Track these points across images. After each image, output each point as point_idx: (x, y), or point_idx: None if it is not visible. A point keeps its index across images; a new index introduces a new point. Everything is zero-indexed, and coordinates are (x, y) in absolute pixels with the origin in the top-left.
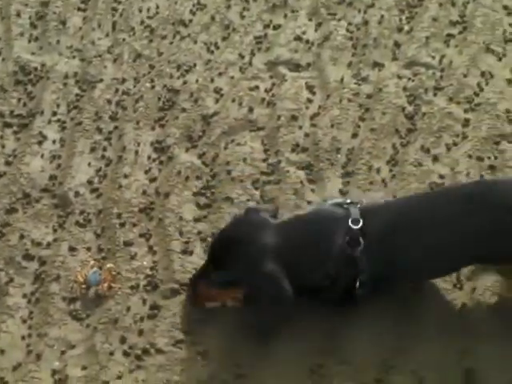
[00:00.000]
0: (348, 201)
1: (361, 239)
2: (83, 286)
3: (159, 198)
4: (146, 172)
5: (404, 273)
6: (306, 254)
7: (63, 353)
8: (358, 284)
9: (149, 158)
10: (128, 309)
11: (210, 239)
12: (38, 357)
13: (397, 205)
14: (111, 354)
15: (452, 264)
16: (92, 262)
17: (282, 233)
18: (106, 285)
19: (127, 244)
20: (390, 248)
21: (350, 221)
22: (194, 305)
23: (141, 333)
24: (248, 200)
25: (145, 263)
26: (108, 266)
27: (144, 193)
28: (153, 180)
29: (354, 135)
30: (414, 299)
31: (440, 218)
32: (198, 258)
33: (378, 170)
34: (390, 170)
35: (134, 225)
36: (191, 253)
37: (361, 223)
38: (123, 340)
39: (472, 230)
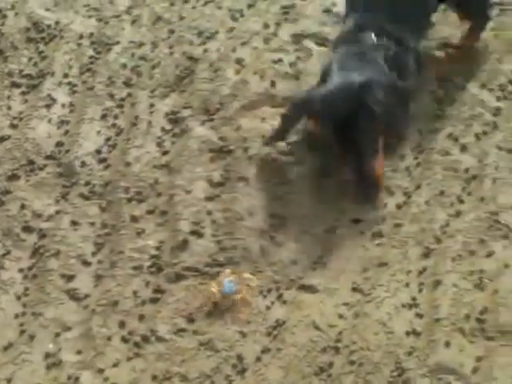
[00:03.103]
0: None
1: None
2: (217, 296)
3: (170, 173)
4: (158, 144)
5: None
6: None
7: (58, 335)
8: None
9: (162, 129)
10: (129, 291)
11: (222, 219)
12: (31, 338)
13: None
14: (108, 339)
15: None
16: (228, 271)
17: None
18: (239, 296)
19: (133, 220)
20: None
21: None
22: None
23: (141, 318)
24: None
25: (150, 243)
26: (245, 275)
27: (154, 166)
28: (165, 153)
29: None
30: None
31: None
32: (208, 241)
33: (402, 157)
34: (415, 158)
35: (142, 200)
36: (201, 235)
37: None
38: (122, 325)
39: None
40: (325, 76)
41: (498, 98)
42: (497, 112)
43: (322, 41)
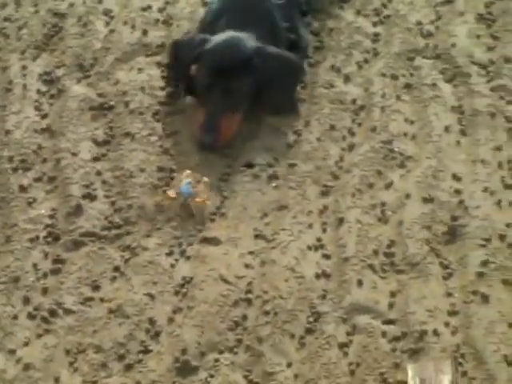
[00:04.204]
0: None
1: None
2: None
3: (53, 137)
4: (37, 108)
5: None
6: None
7: None
8: None
9: (38, 91)
10: (29, 264)
11: (112, 179)
12: None
13: None
14: (15, 317)
15: None
16: (186, 173)
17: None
18: (198, 199)
19: (22, 190)
20: None
21: None
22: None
23: (45, 291)
24: (149, 134)
25: (43, 211)
26: (204, 180)
27: (36, 131)
28: (44, 116)
29: None
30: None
31: None
32: (101, 203)
33: None
34: (299, 94)
35: (28, 168)
36: (93, 197)
37: None
38: (27, 301)
39: None
40: (208, 27)
41: (375, 24)
42: (375, 38)
43: None
